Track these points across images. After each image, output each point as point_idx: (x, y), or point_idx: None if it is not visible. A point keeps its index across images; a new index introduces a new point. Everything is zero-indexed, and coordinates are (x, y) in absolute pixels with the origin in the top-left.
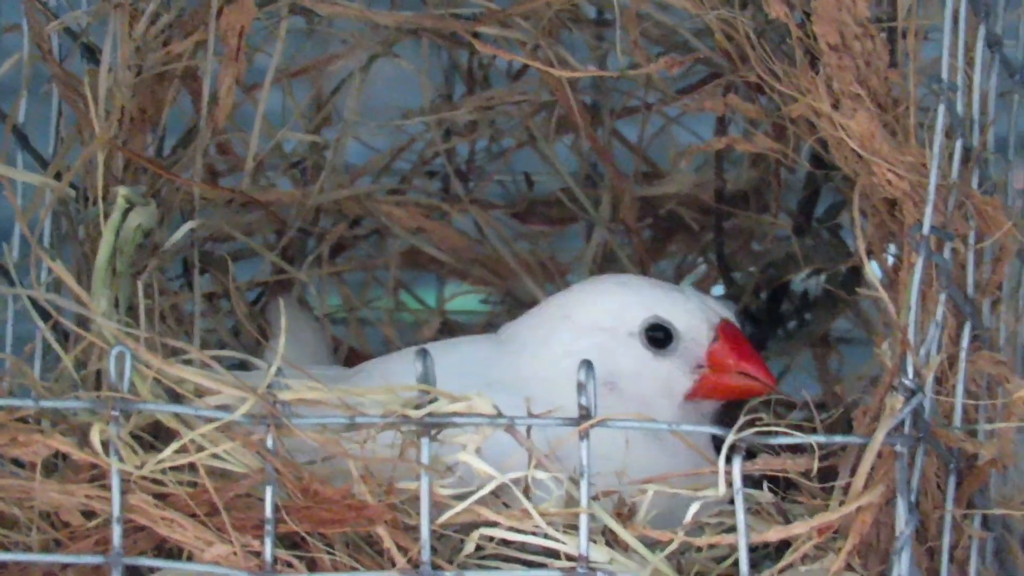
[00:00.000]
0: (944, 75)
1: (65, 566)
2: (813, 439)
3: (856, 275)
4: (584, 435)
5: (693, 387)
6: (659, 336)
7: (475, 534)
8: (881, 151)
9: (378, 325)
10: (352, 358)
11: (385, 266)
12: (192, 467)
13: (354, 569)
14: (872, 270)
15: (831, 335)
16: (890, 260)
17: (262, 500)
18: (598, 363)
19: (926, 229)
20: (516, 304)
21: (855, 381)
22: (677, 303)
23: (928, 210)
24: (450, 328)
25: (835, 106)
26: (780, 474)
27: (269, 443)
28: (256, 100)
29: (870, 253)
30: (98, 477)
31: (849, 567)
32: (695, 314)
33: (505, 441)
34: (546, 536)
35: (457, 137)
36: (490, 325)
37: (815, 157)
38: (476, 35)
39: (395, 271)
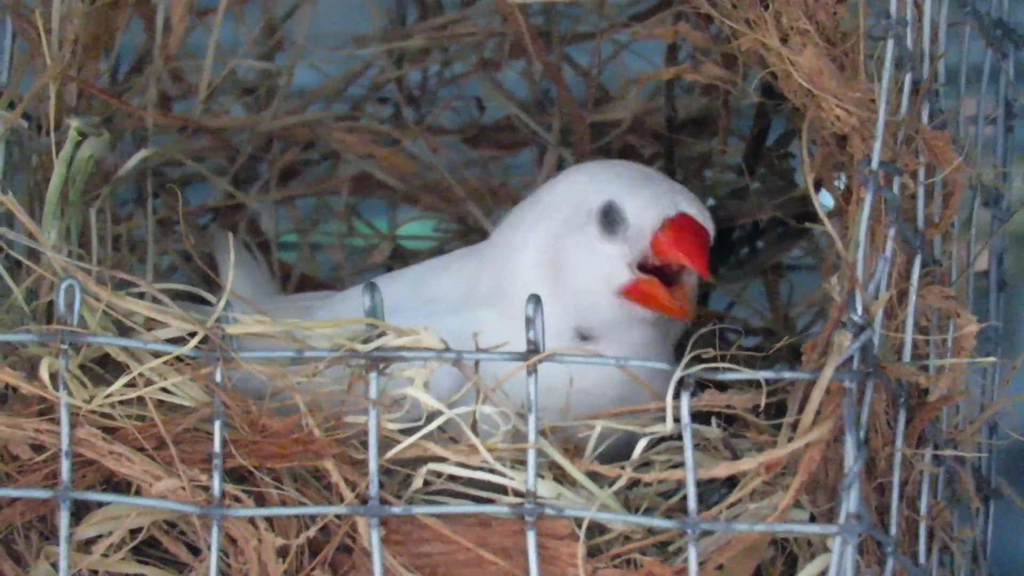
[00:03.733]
0: (893, 9)
1: (14, 499)
2: (761, 375)
3: (808, 203)
4: (532, 370)
5: (627, 286)
6: (611, 220)
7: (423, 469)
8: (830, 87)
9: (329, 250)
10: (303, 283)
11: (336, 192)
12: (141, 401)
13: (302, 504)
14: (820, 204)
15: (782, 262)
16: (840, 188)
17: (210, 434)
18: (553, 242)
19: (875, 164)
20: (468, 230)
21: (806, 307)
22: (635, 191)
23: (876, 146)
24: (401, 254)
25: (784, 40)
26: (727, 411)
27: (217, 377)
28: (208, 26)
29: (819, 184)
30: (47, 411)
31: (797, 504)
32: (649, 202)
33: (455, 370)
34: (494, 471)
35: (409, 63)
36: (442, 251)
37: (765, 86)
38: None
39: (346, 196)
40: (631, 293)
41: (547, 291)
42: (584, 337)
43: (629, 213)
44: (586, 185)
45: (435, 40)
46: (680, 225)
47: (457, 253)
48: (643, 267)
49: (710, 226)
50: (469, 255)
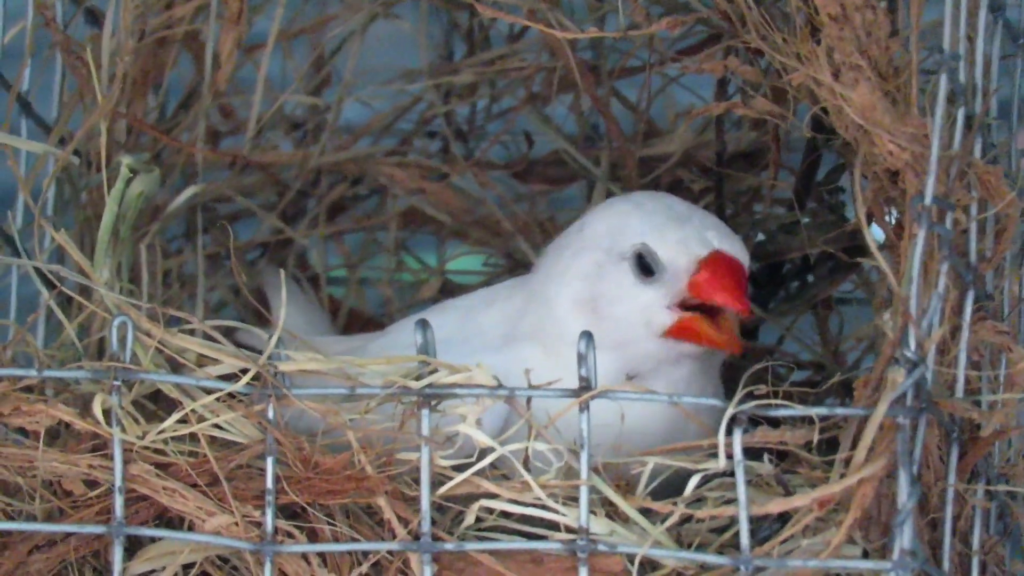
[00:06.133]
0: (946, 44)
1: (67, 534)
2: (814, 411)
3: (859, 237)
4: (584, 407)
5: (671, 326)
6: (645, 263)
7: (475, 506)
8: (883, 122)
9: (378, 285)
10: (352, 318)
11: (385, 227)
12: (193, 437)
13: (354, 540)
14: (872, 239)
15: (832, 295)
16: (891, 222)
17: (263, 471)
18: (588, 280)
19: (928, 200)
20: (517, 265)
21: (856, 340)
22: (670, 232)
23: (930, 181)
24: (450, 288)
25: (835, 76)
26: (779, 446)
27: (270, 414)
28: (257, 62)
29: (870, 218)
30: (100, 447)
31: (851, 540)
32: (680, 244)
33: (505, 408)
34: (546, 508)
35: (457, 98)
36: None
37: (816, 120)
38: None
39: (395, 231)
40: (676, 332)
41: (584, 327)
42: (630, 376)
43: (663, 257)
44: (619, 226)
45: (483, 75)
46: (715, 264)
47: (505, 285)
48: (683, 304)
49: (745, 258)
50: (515, 288)
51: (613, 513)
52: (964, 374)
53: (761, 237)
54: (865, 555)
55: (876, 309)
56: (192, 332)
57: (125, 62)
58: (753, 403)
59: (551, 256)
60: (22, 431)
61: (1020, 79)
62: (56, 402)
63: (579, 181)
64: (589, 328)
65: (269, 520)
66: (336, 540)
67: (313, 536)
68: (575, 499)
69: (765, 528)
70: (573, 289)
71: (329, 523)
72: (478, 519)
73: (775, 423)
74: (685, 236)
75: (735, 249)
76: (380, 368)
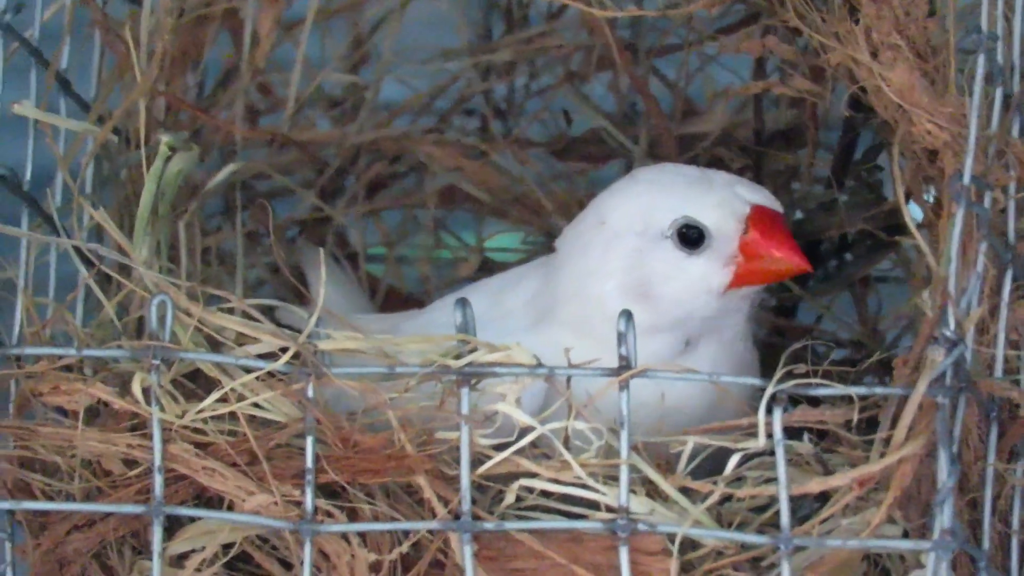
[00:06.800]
0: (983, 24)
1: (106, 514)
2: (853, 391)
3: (897, 215)
4: (624, 386)
5: (730, 280)
6: (691, 235)
7: (515, 485)
8: (921, 102)
9: (416, 263)
10: (391, 296)
11: (423, 205)
12: (232, 416)
13: (394, 519)
14: (910, 218)
15: (870, 274)
16: (930, 201)
17: (302, 450)
18: (631, 269)
19: (966, 180)
20: None
21: (895, 319)
22: (706, 200)
23: (968, 161)
24: (489, 266)
25: (874, 55)
26: (820, 426)
27: (309, 393)
28: (295, 40)
29: (908, 197)
30: (139, 426)
31: (890, 519)
32: (723, 209)
33: (543, 388)
34: (586, 487)
35: (495, 76)
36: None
37: (854, 99)
38: None
39: (433, 210)
40: (739, 280)
41: (639, 313)
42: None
43: (710, 224)
44: (647, 207)
45: (522, 53)
46: (762, 220)
47: (534, 264)
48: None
49: (777, 204)
50: (542, 268)
51: (653, 492)
52: (1003, 353)
53: (799, 215)
54: (905, 535)
55: (914, 287)
56: (231, 311)
57: (164, 40)
58: (793, 382)
59: (577, 246)
60: (61, 410)
61: None
62: (95, 381)
63: (618, 159)
64: (645, 313)
65: (309, 499)
66: (376, 519)
67: (353, 515)
68: (615, 478)
69: (805, 507)
70: (617, 283)
71: (369, 502)
72: (518, 498)
73: (814, 402)
74: (722, 199)
75: (769, 199)
76: (419, 347)
